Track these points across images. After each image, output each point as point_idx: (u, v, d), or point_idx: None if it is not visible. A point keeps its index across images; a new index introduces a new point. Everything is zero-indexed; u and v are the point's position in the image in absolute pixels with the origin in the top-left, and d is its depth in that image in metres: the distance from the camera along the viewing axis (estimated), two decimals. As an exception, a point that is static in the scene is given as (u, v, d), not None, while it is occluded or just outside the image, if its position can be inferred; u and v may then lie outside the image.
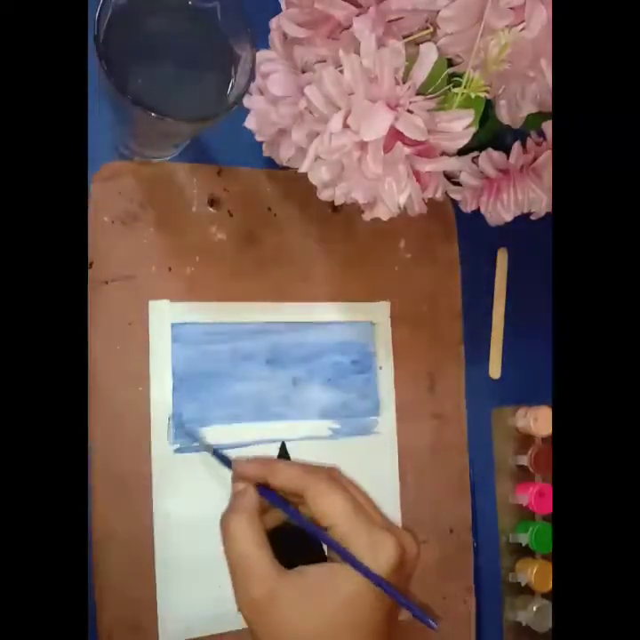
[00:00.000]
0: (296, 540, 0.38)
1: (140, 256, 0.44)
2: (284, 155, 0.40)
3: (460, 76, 0.35)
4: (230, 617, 0.44)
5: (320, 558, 0.38)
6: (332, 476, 0.38)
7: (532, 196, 0.42)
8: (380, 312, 0.50)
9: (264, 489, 0.38)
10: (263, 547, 0.35)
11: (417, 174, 0.36)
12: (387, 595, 0.35)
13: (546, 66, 0.35)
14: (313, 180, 0.37)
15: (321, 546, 0.38)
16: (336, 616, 0.34)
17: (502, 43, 0.33)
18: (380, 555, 0.35)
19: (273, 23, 0.38)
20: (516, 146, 0.42)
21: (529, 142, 0.42)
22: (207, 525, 0.43)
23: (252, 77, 0.36)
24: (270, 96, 0.38)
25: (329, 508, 0.36)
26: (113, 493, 0.42)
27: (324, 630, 0.34)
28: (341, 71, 0.34)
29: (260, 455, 0.45)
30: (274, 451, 0.46)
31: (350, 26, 0.35)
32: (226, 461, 0.41)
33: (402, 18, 0.35)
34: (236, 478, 0.39)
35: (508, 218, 0.44)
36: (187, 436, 0.43)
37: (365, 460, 0.48)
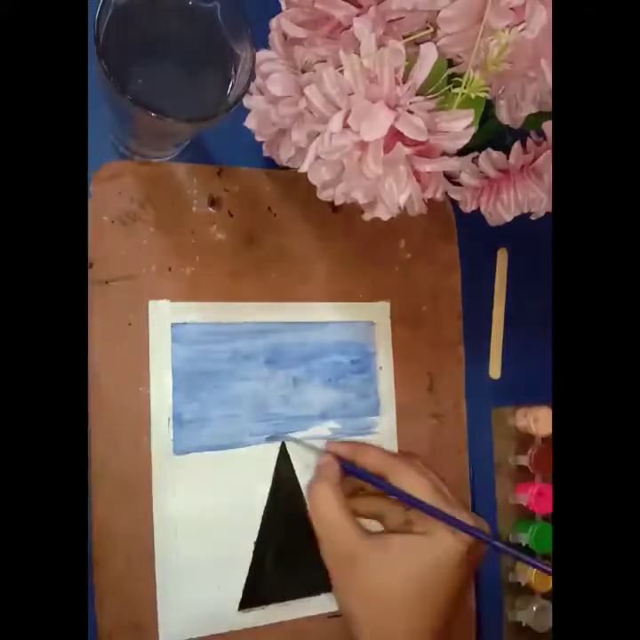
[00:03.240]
0: None
1: (140, 256, 0.44)
2: (284, 155, 0.40)
3: (460, 76, 0.35)
4: (230, 617, 0.44)
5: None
6: (412, 461, 0.42)
7: (531, 196, 0.42)
8: (380, 312, 0.50)
9: (352, 466, 0.42)
10: (346, 511, 0.39)
11: (417, 174, 0.36)
12: (470, 562, 0.39)
13: (546, 66, 0.35)
14: (313, 180, 0.37)
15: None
16: (421, 575, 0.38)
17: (502, 43, 0.33)
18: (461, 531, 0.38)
19: (273, 23, 0.38)
20: (516, 146, 0.42)
21: (529, 142, 0.42)
22: (207, 525, 0.44)
23: (252, 77, 0.36)
24: (270, 96, 0.38)
25: (413, 487, 0.39)
26: (113, 493, 0.42)
27: (406, 592, 0.38)
28: (341, 71, 0.34)
29: (349, 439, 0.47)
30: (274, 451, 0.46)
31: (350, 26, 0.35)
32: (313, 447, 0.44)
33: (402, 18, 0.35)
34: (324, 454, 0.43)
35: (508, 218, 0.44)
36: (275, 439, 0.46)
37: (365, 460, 0.48)
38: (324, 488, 0.40)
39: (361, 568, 0.38)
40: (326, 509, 0.39)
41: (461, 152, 0.37)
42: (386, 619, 0.38)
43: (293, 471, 0.46)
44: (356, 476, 0.42)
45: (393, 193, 0.35)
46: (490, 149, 0.42)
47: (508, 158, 0.42)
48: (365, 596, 0.38)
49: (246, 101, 0.39)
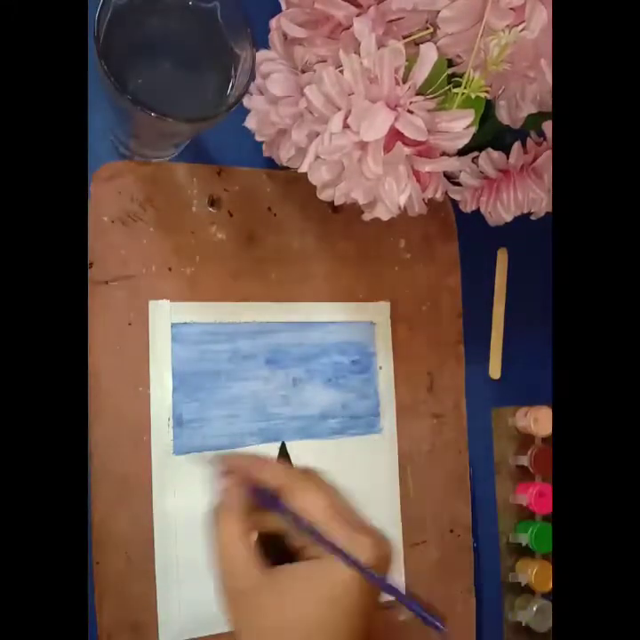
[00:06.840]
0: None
1: (140, 256, 0.44)
2: (284, 155, 0.40)
3: (460, 76, 0.35)
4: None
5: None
6: (311, 477, 0.39)
7: (532, 196, 0.42)
8: (380, 312, 0.50)
9: (254, 488, 0.38)
10: (247, 543, 0.37)
11: (417, 174, 0.36)
12: (369, 593, 0.35)
13: (546, 66, 0.35)
14: (313, 180, 0.37)
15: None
16: (318, 611, 0.34)
17: (502, 43, 0.33)
18: (357, 555, 0.35)
19: (273, 23, 0.38)
20: (516, 146, 0.42)
21: (529, 142, 0.42)
22: (207, 525, 0.43)
23: (252, 77, 0.36)
24: (270, 96, 0.38)
25: (309, 506, 0.36)
26: (113, 493, 0.42)
27: (305, 625, 0.34)
28: (341, 71, 0.34)
29: (252, 453, 0.45)
30: (274, 451, 0.46)
31: (350, 26, 0.35)
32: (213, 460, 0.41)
33: (402, 18, 0.35)
34: (223, 473, 0.40)
35: (508, 218, 0.44)
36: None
37: (365, 460, 0.48)
38: (228, 520, 0.37)
39: (260, 604, 0.35)
40: (229, 545, 0.36)
41: (461, 152, 0.37)
42: None
43: (293, 471, 0.46)
44: (257, 499, 0.38)
45: (393, 193, 0.35)
46: (490, 149, 0.42)
47: (507, 158, 0.42)
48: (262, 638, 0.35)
49: (246, 101, 0.39)
